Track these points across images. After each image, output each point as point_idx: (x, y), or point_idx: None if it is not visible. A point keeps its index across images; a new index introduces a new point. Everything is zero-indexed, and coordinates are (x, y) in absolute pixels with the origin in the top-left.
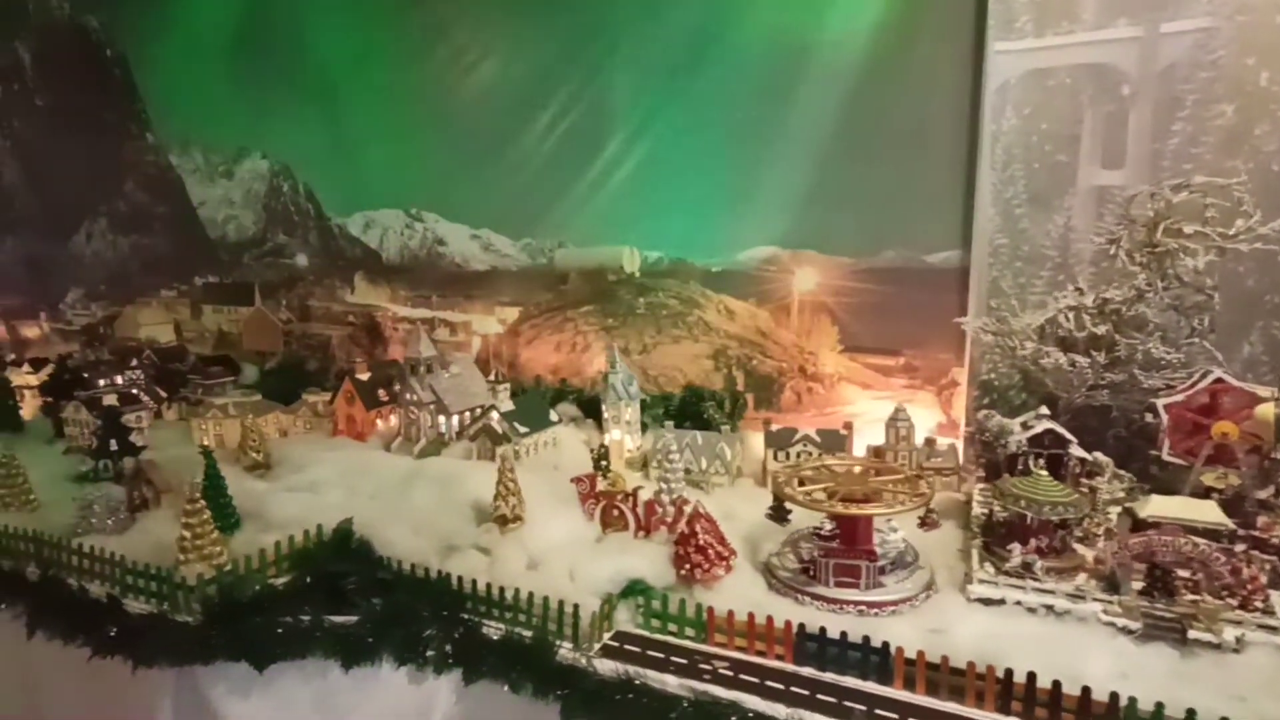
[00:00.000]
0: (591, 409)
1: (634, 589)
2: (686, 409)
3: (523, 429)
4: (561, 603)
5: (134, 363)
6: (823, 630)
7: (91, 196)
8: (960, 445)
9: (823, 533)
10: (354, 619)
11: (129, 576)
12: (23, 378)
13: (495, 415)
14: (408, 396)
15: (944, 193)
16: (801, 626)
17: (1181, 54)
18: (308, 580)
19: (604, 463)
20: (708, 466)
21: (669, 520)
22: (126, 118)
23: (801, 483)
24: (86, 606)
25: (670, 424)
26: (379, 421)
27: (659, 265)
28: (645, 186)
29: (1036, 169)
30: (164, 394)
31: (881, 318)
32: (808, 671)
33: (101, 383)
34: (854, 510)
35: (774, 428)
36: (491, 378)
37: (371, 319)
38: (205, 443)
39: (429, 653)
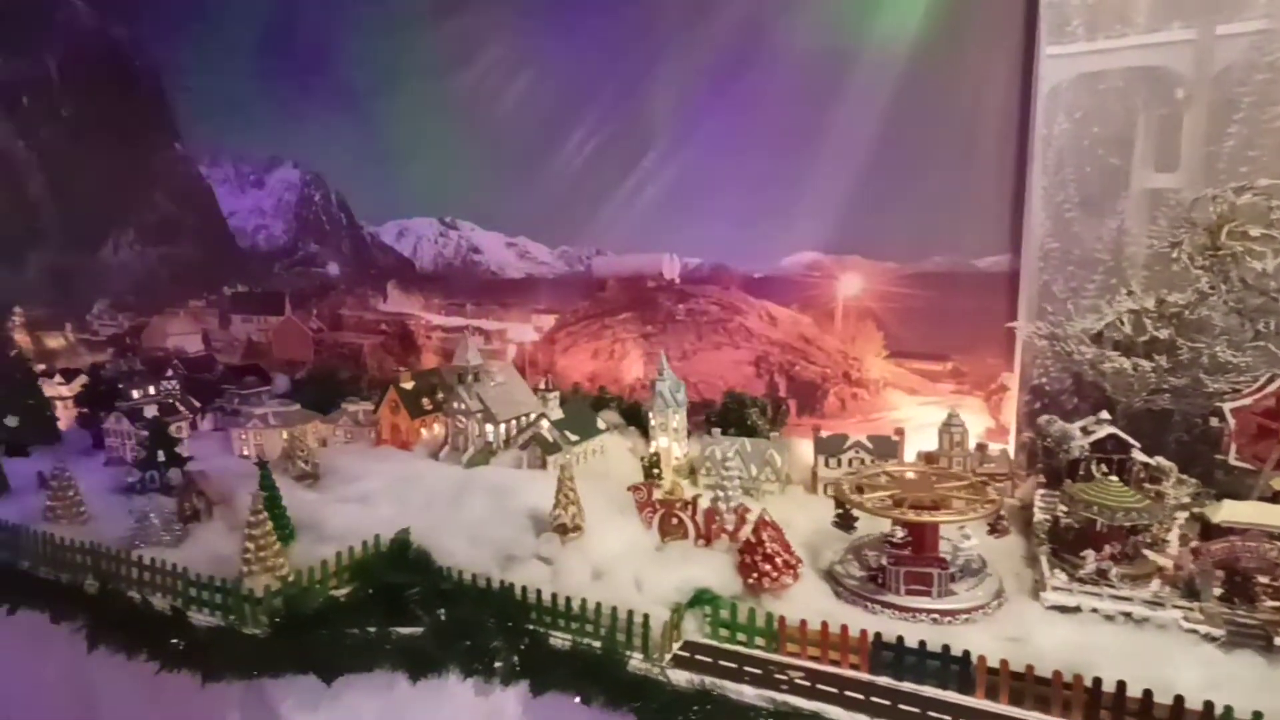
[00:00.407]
0: (630, 416)
1: (700, 598)
2: (729, 415)
3: (573, 437)
4: (631, 613)
5: (168, 373)
6: (900, 639)
7: (119, 207)
8: (1011, 450)
9: (895, 540)
10: (419, 631)
11: (192, 589)
12: (55, 389)
13: (546, 424)
14: (455, 405)
15: (993, 197)
16: (878, 635)
17: (1237, 56)
18: (370, 592)
19: (656, 470)
20: (758, 473)
21: (730, 528)
22: (155, 129)
23: (861, 490)
24: (150, 620)
25: (717, 430)
26: (423, 430)
27: (700, 272)
28: (685, 194)
29: (1088, 173)
30: (197, 404)
31: (928, 323)
32: (884, 681)
33: (136, 394)
34: (929, 517)
35: (823, 434)
36: (542, 386)
37: (404, 327)
38: (245, 453)
39: (496, 664)
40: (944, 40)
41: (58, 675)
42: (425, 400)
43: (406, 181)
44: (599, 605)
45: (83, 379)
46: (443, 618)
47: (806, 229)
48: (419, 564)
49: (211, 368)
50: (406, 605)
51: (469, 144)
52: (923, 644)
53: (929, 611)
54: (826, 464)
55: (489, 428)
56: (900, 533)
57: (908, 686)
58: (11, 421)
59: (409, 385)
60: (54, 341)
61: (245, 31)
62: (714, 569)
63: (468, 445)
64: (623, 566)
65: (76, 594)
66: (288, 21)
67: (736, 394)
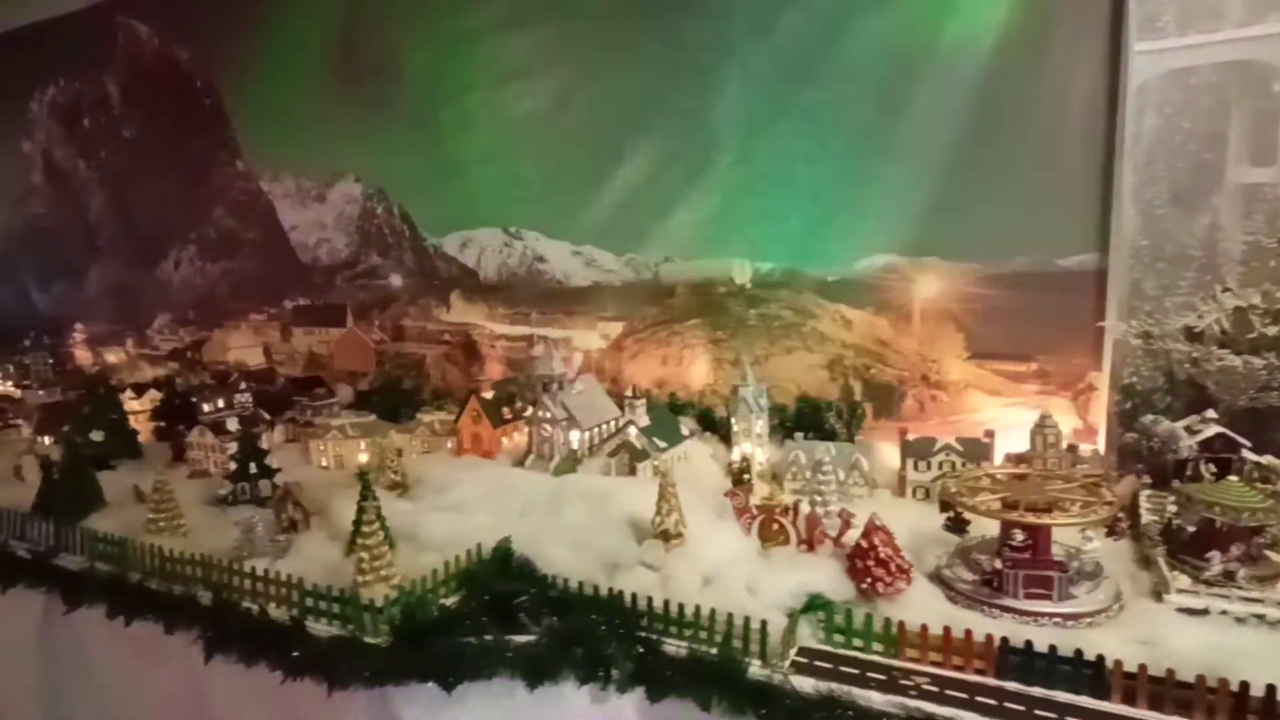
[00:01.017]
0: (703, 423)
1: (814, 604)
2: (804, 420)
3: (661, 443)
4: (748, 619)
5: (241, 386)
6: (1029, 644)
7: (180, 224)
8: (1103, 450)
9: (1015, 543)
10: (534, 638)
11: (310, 599)
12: (128, 404)
13: (633, 430)
14: (540, 413)
15: (1078, 195)
16: (1004, 640)
17: None
18: (478, 600)
19: (746, 476)
20: (845, 478)
21: (834, 534)
22: (217, 146)
23: (965, 492)
24: (269, 630)
25: (800, 435)
26: (504, 439)
27: (771, 276)
28: (756, 198)
29: (1180, 168)
30: (267, 416)
31: (1011, 323)
32: (1013, 686)
33: (206, 408)
34: (1049, 520)
35: (910, 437)
36: (629, 393)
37: (468, 337)
38: (324, 464)
39: (612, 671)
40: (1027, 38)
41: (174, 686)
42: (505, 410)
43: (470, 193)
44: (713, 611)
45: (153, 393)
46: (556, 625)
47: (881, 232)
48: (524, 572)
49: (273, 380)
50: (516, 613)
51: (534, 155)
52: (1053, 648)
53: (1051, 615)
54: (916, 467)
55: (574, 435)
56: (1020, 535)
57: (1038, 691)
58: (97, 436)
59: (489, 395)
60: (114, 356)
61: (307, 49)
62: (824, 574)
63: (553, 453)
64: (731, 572)
65: (191, 605)
66: (349, 37)
67: (811, 398)
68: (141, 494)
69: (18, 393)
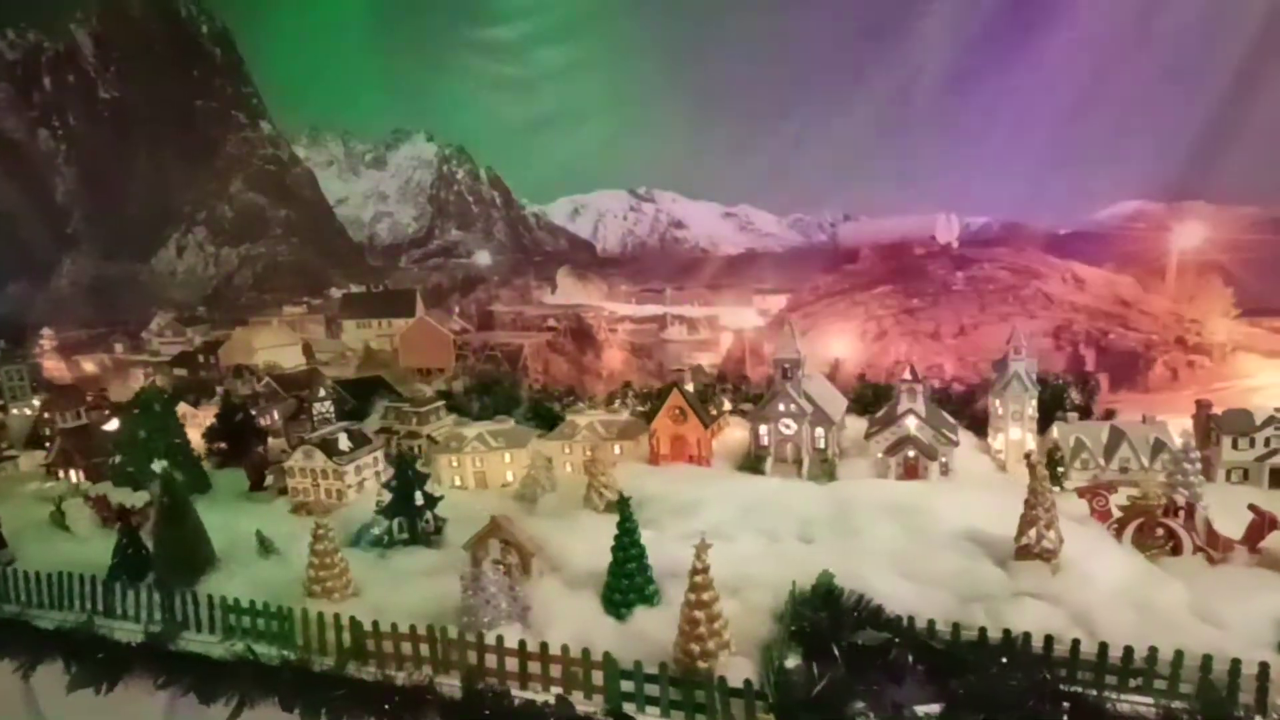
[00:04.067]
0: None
1: None
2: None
3: (951, 436)
4: (1236, 661)
5: (321, 393)
6: None
7: (183, 203)
8: None
9: None
10: (934, 710)
11: (630, 681)
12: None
13: (913, 421)
14: (780, 406)
15: None
16: None
17: None
18: (824, 654)
19: (1061, 470)
20: (1150, 463)
21: (1241, 538)
22: (232, 106)
23: None
24: None
25: (1074, 415)
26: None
27: (986, 233)
28: (967, 143)
29: None
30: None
31: None
32: None
33: (264, 421)
34: None
35: (1214, 411)
36: (907, 375)
37: (580, 321)
38: (459, 482)
39: None
40: None
41: None
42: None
43: (583, 149)
44: (1179, 654)
45: (211, 407)
46: (966, 688)
47: (1130, 174)
48: (860, 613)
49: (314, 383)
50: (873, 668)
51: (671, 101)
52: None
53: None
54: (1235, 445)
55: (819, 433)
56: None
57: None
58: (158, 467)
59: (691, 388)
60: (98, 365)
61: None
62: None
63: (799, 455)
64: (1160, 598)
65: (423, 697)
66: None
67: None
68: (266, 544)
69: None
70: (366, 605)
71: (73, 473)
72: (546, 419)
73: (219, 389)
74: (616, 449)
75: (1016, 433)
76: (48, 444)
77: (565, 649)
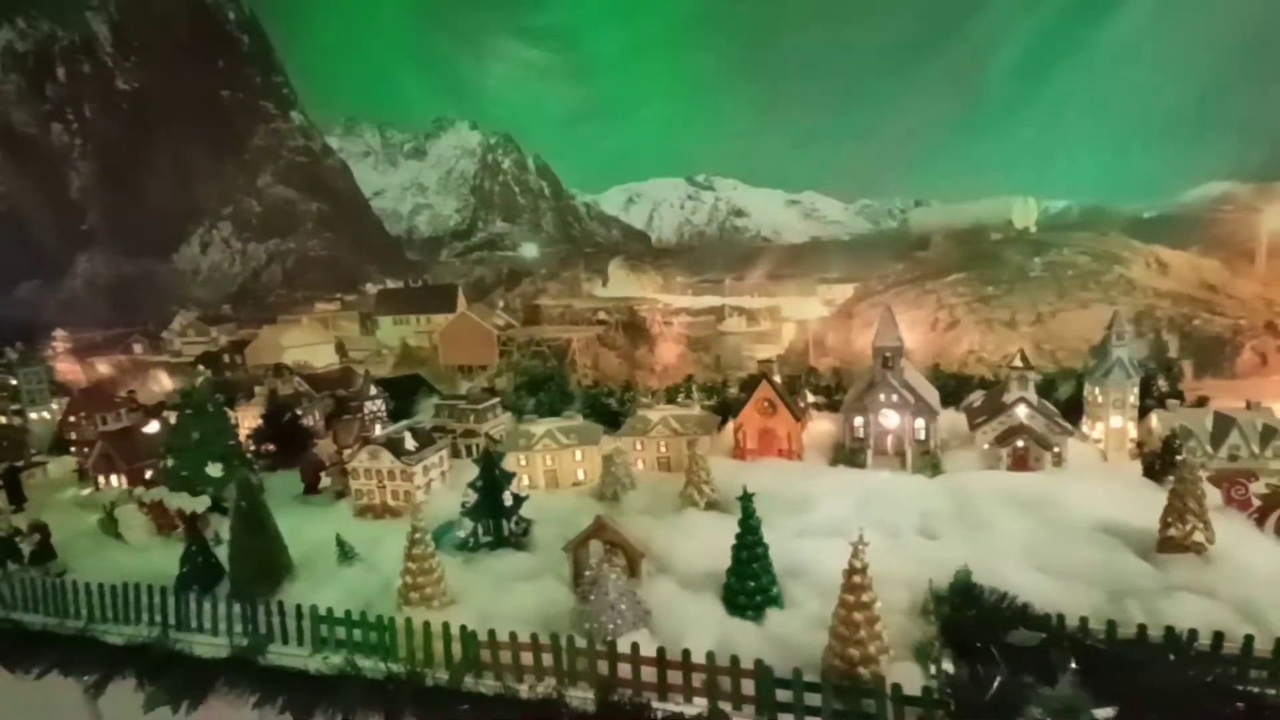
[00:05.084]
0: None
1: None
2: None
3: (1065, 425)
4: None
5: (372, 391)
6: None
7: (208, 197)
8: None
9: None
10: (1110, 714)
11: (808, 692)
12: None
13: (1024, 410)
14: (881, 396)
15: None
16: None
17: None
18: (974, 653)
19: (1178, 458)
20: (1261, 450)
21: None
22: (260, 96)
23: None
24: None
25: (1174, 402)
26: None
27: (1066, 216)
28: (1047, 125)
29: None
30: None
31: None
32: None
33: (307, 421)
34: None
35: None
36: (1017, 362)
37: (633, 314)
38: (528, 482)
39: None
40: None
41: None
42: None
43: (638, 136)
44: None
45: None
46: (1130, 692)
47: (1219, 154)
48: (1015, 614)
49: (348, 382)
50: (1033, 668)
51: (733, 85)
52: None
53: None
54: None
55: (920, 423)
56: None
57: None
58: (214, 471)
59: (778, 379)
60: (114, 367)
61: None
62: None
63: (900, 447)
64: None
65: (550, 710)
66: None
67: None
68: (347, 549)
69: (15, 419)
70: (471, 612)
71: (114, 478)
72: (603, 415)
73: (255, 389)
74: (705, 443)
75: (1118, 421)
76: (76, 448)
77: (710, 656)
